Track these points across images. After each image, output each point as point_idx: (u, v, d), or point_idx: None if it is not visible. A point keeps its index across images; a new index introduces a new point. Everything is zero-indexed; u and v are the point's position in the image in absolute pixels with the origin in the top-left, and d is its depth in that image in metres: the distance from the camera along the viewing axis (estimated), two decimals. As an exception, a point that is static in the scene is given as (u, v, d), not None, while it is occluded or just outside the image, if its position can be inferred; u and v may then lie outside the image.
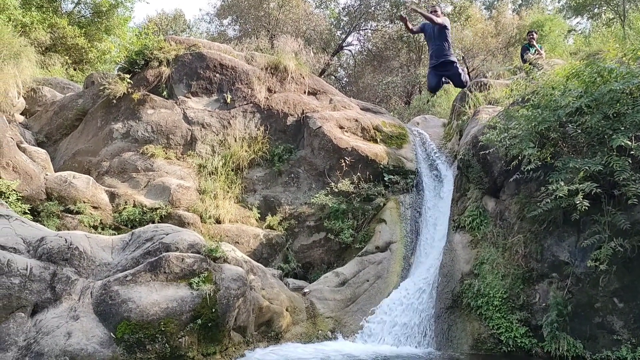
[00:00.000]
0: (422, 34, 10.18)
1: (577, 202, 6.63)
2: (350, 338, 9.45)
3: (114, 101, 12.80)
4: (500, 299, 8.19)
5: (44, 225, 8.91)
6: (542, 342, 7.61)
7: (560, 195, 6.83)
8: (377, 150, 12.44)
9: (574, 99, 7.46)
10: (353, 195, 11.83)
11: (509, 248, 8.41)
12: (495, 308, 8.19)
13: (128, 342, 6.68)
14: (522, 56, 13.87)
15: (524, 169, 7.71)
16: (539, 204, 7.43)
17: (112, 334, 6.71)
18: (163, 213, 10.99)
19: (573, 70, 8.01)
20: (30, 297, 6.73)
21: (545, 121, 7.54)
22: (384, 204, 11.81)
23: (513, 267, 8.22)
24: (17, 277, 6.69)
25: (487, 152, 8.70)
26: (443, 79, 9.80)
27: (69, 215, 10.09)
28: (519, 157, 7.84)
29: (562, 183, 6.90)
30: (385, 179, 12.10)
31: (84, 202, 10.38)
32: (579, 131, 7.34)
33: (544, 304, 7.74)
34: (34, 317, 6.73)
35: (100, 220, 10.40)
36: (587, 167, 6.81)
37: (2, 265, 6.63)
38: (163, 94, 13.23)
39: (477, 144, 9.24)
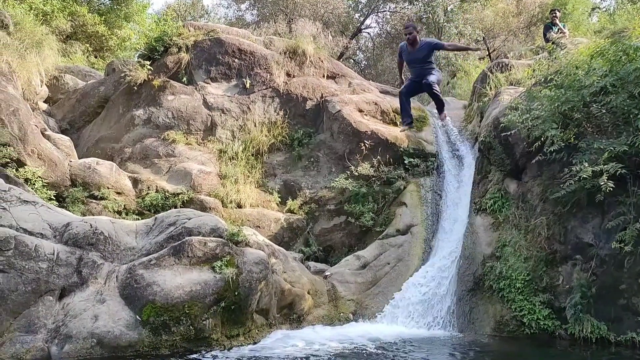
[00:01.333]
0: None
1: (602, 183, 6.51)
2: (372, 320, 9.50)
3: (135, 88, 12.93)
4: (522, 281, 8.13)
5: (69, 211, 9.11)
6: (566, 324, 7.56)
7: (584, 176, 6.71)
8: (397, 133, 12.33)
9: (599, 78, 7.27)
10: (373, 178, 11.79)
11: (532, 230, 8.31)
12: (517, 290, 8.14)
13: (153, 324, 6.84)
14: (544, 35, 13.50)
15: (547, 150, 7.58)
16: (562, 185, 7.31)
17: (137, 316, 6.88)
18: (185, 198, 11.14)
19: (597, 49, 7.80)
20: (57, 281, 6.93)
21: (568, 101, 7.38)
22: (405, 187, 11.74)
23: (536, 250, 8.14)
24: (45, 261, 6.89)
25: (509, 133, 8.56)
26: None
27: (94, 201, 10.30)
28: (542, 139, 7.71)
29: (586, 164, 6.77)
30: (406, 162, 12.01)
31: (108, 188, 10.58)
32: (604, 111, 7.17)
33: (567, 286, 7.66)
34: (62, 301, 6.93)
35: (124, 205, 10.60)
36: (611, 148, 6.67)
37: (30, 250, 6.83)
38: (183, 80, 13.31)
39: (498, 126, 9.10)
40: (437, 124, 12.94)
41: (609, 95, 7.14)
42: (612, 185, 6.50)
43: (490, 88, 11.94)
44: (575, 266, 7.63)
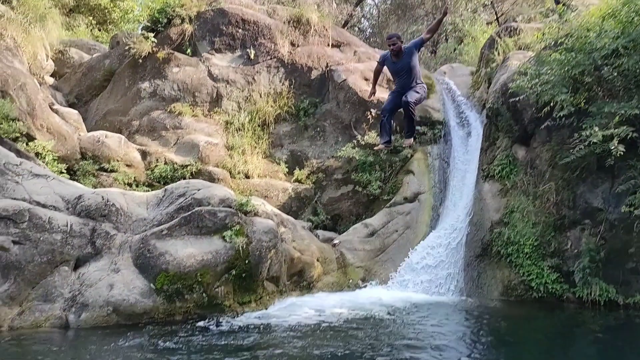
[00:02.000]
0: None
1: (612, 148, 6.47)
2: (380, 286, 9.64)
3: (140, 61, 12.83)
4: (530, 247, 8.19)
5: (80, 183, 9.21)
6: (574, 288, 7.65)
7: (595, 141, 6.67)
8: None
9: (610, 40, 7.14)
10: (380, 147, 11.75)
11: (540, 196, 8.32)
12: (525, 255, 8.21)
13: (167, 292, 6.99)
14: (555, -3, 13.19)
15: (556, 115, 7.52)
16: (571, 150, 7.28)
17: (151, 285, 7.02)
18: (193, 170, 11.20)
19: (609, 10, 7.63)
20: (72, 251, 7.07)
21: (579, 65, 7.27)
22: (412, 155, 11.73)
23: (544, 215, 8.16)
24: (59, 233, 7.01)
25: (517, 99, 8.48)
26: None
27: (104, 173, 10.39)
28: (551, 104, 7.63)
29: (596, 128, 6.72)
30: (413, 130, 11.94)
31: (117, 161, 10.65)
32: (615, 74, 7.06)
33: (575, 251, 7.71)
34: (77, 271, 7.08)
35: (134, 177, 10.69)
36: (622, 111, 6.60)
37: (44, 222, 6.95)
38: (187, 52, 13.19)
39: (506, 92, 9.00)
40: (444, 91, 12.81)
41: (620, 57, 7.03)
42: (622, 149, 6.46)
43: (499, 53, 11.75)
44: (584, 231, 7.67)
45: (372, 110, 12.01)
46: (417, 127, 11.82)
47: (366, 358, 4.83)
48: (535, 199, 8.42)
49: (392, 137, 7.50)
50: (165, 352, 5.14)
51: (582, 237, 7.65)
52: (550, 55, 7.97)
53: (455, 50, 19.77)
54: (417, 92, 6.80)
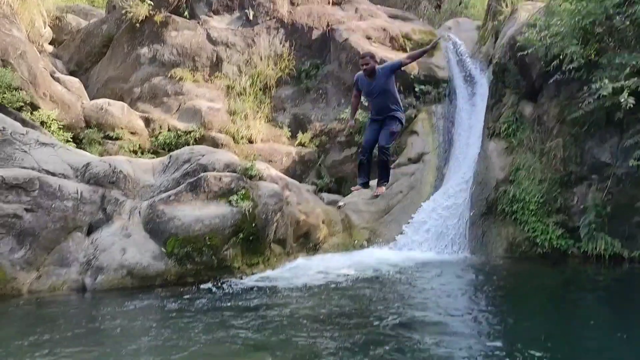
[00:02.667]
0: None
1: (622, 100, 6.38)
2: (386, 247, 9.74)
3: (137, 25, 12.61)
4: (536, 204, 8.21)
5: (87, 152, 9.23)
6: (579, 243, 7.71)
7: (604, 94, 6.57)
8: (407, 61, 12.04)
9: (623, -13, 6.93)
10: (384, 108, 11.63)
11: (547, 153, 8.28)
12: (531, 212, 8.24)
13: (178, 255, 7.10)
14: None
15: (566, 68, 7.39)
16: (580, 105, 7.20)
17: (162, 248, 7.13)
18: (197, 136, 11.19)
19: (622, -44, 7.37)
20: (84, 218, 7.18)
21: (590, 14, 7.07)
22: (416, 116, 11.63)
23: (550, 172, 8.15)
24: (70, 200, 7.10)
25: (526, 53, 8.30)
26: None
27: (109, 141, 10.41)
28: (560, 57, 7.48)
29: (606, 81, 6.61)
30: (416, 89, 11.80)
31: (122, 129, 10.64)
32: (627, 23, 6.88)
33: (582, 206, 7.73)
34: (90, 236, 7.20)
35: (139, 145, 10.71)
36: (634, 62, 6.48)
37: (55, 190, 7.01)
38: (184, 15, 12.95)
39: (514, 46, 8.82)
40: (449, 48, 12.57)
41: (634, 5, 6.82)
42: (632, 102, 6.37)
43: (507, 5, 11.39)
44: (590, 186, 7.66)
45: (375, 70, 11.82)
46: (422, 86, 11.73)
47: (374, 316, 4.93)
48: (542, 156, 8.38)
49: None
50: (176, 313, 5.27)
51: (589, 193, 7.65)
52: (561, 5, 7.75)
53: (460, 3, 19.22)
54: (394, 128, 6.08)
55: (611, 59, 6.81)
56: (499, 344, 4.03)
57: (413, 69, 11.90)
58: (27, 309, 5.74)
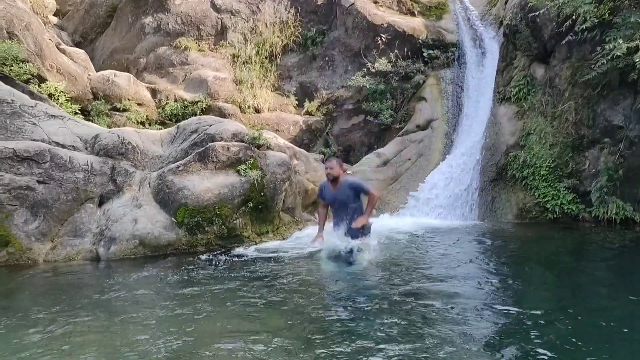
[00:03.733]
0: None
1: (637, 60, 6.24)
2: (395, 214, 9.75)
3: (141, -7, 12.43)
4: (547, 168, 8.16)
5: (95, 123, 9.23)
6: (590, 208, 7.68)
7: (618, 54, 6.42)
8: (414, 24, 11.80)
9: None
10: (391, 74, 11.49)
11: (559, 116, 8.17)
12: (541, 177, 8.19)
13: (188, 225, 7.17)
14: None
15: (578, 29, 7.21)
16: (593, 66, 7.04)
17: (173, 218, 7.19)
18: (203, 106, 11.14)
19: None
20: (95, 189, 7.24)
21: (604, -28, 6.85)
22: (424, 81, 11.47)
23: (562, 136, 8.05)
24: (81, 172, 7.15)
25: (537, 14, 8.09)
26: None
27: (117, 113, 10.41)
28: (573, 17, 7.29)
29: (620, 41, 6.45)
30: (425, 54, 11.60)
31: (129, 100, 10.61)
32: (643, -20, 6.67)
33: (593, 170, 7.67)
34: (102, 207, 7.27)
35: (146, 116, 10.70)
36: (650, 21, 6.29)
37: (65, 162, 7.05)
38: (188, -19, 12.69)
39: (525, 6, 8.59)
40: (458, 10, 12.27)
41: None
42: (647, 62, 6.22)
43: (517, -35, 11.08)
44: (602, 150, 7.58)
45: (382, 35, 11.63)
46: (430, 51, 11.51)
47: (384, 283, 4.96)
48: (553, 119, 8.27)
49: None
50: (187, 281, 5.34)
51: (601, 157, 7.57)
52: (573, -37, 7.50)
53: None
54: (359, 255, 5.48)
55: (626, 18, 6.62)
56: (510, 308, 4.06)
57: (421, 33, 11.68)
58: (42, 278, 5.85)
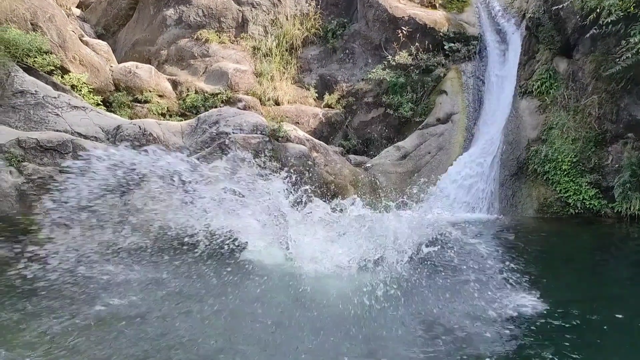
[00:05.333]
0: None
1: (663, 54, 6.10)
2: (413, 208, 9.72)
3: (162, -14, 12.55)
4: (569, 163, 8.05)
5: (117, 115, 9.38)
6: (612, 203, 7.56)
7: (644, 47, 6.29)
8: (436, 17, 11.70)
9: None
10: (411, 67, 11.42)
11: (581, 110, 8.04)
12: (563, 172, 8.09)
13: (210, 217, 7.26)
14: None
15: (603, 22, 7.07)
16: (617, 60, 6.91)
17: (193, 209, 7.29)
18: (224, 98, 11.23)
19: None
20: (116, 180, 7.35)
21: (631, -37, 6.70)
22: (445, 75, 11.38)
23: (585, 130, 7.93)
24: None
25: (561, 7, 7.97)
26: None
27: (138, 104, 10.55)
28: (597, 10, 7.15)
29: (646, 34, 6.31)
30: (446, 47, 11.50)
31: (150, 92, 10.74)
32: (672, -28, 6.51)
33: (616, 166, 7.54)
34: (123, 198, 7.39)
35: (167, 107, 10.83)
36: (677, 14, 6.14)
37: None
38: (209, -26, 12.76)
39: (549, -1, 8.47)
40: (479, 3, 12.12)
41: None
42: (673, 55, 6.08)
43: (540, -43, 10.90)
44: (626, 145, 7.45)
45: (403, 28, 11.56)
46: (451, 44, 11.40)
47: (410, 274, 4.97)
48: (576, 114, 8.14)
49: None
50: (214, 267, 5.41)
51: (624, 152, 7.44)
52: (598, -45, 7.35)
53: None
54: None
55: (653, 11, 6.48)
56: (533, 300, 4.06)
57: (442, 26, 11.57)
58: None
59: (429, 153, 10.57)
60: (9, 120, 7.35)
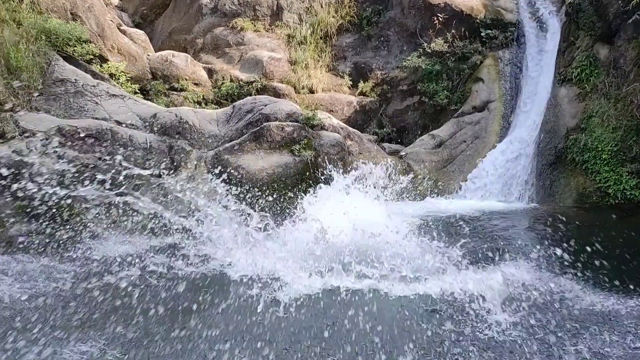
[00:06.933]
0: None
1: None
2: (449, 196, 9.65)
3: (198, -25, 12.72)
4: (609, 152, 7.81)
5: (153, 103, 9.62)
6: (654, 194, 7.31)
7: (692, 32, 6.01)
8: (472, 3, 11.46)
9: None
10: (447, 55, 11.26)
11: (623, 98, 7.77)
12: (603, 162, 7.86)
13: (245, 200, 7.42)
14: None
15: (648, 6, 6.79)
16: (663, 46, 6.63)
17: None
18: (258, 86, 11.36)
19: None
20: (153, 166, 7.58)
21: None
22: (481, 62, 11.16)
23: (626, 119, 7.66)
24: (140, 150, 7.49)
25: (603, -9, 7.69)
26: None
27: (174, 92, 10.79)
28: (643, -7, 6.87)
29: (695, 18, 6.03)
30: (482, 34, 11.26)
31: (186, 80, 10.97)
32: None
33: (659, 155, 7.28)
34: (160, 185, 7.62)
35: (202, 96, 11.04)
36: None
37: (126, 140, 7.41)
38: (244, -37, 12.86)
39: (591, -17, 8.17)
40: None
41: None
42: None
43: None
44: (670, 133, 7.17)
45: (438, 15, 11.38)
46: (488, 31, 11.16)
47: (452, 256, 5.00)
48: (617, 101, 7.87)
49: None
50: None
51: (668, 141, 7.17)
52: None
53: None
54: None
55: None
56: (574, 291, 4.04)
57: (479, 12, 11.33)
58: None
59: (465, 142, 10.43)
60: (50, 108, 7.64)
